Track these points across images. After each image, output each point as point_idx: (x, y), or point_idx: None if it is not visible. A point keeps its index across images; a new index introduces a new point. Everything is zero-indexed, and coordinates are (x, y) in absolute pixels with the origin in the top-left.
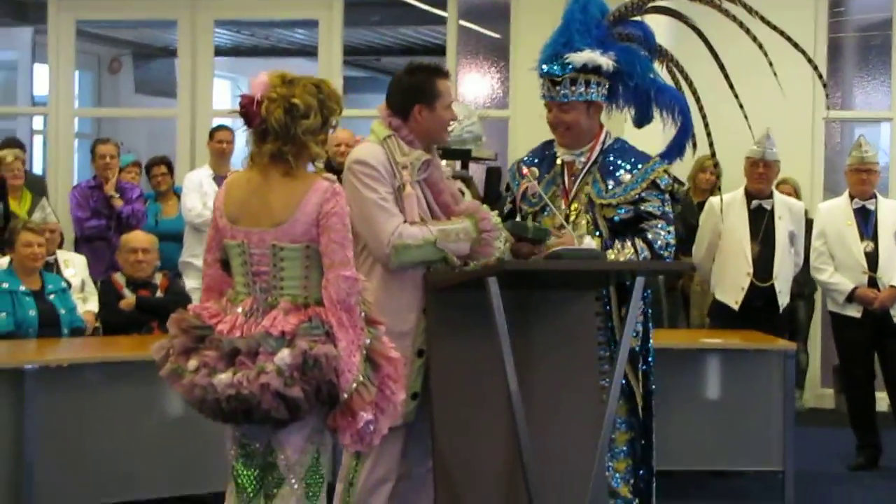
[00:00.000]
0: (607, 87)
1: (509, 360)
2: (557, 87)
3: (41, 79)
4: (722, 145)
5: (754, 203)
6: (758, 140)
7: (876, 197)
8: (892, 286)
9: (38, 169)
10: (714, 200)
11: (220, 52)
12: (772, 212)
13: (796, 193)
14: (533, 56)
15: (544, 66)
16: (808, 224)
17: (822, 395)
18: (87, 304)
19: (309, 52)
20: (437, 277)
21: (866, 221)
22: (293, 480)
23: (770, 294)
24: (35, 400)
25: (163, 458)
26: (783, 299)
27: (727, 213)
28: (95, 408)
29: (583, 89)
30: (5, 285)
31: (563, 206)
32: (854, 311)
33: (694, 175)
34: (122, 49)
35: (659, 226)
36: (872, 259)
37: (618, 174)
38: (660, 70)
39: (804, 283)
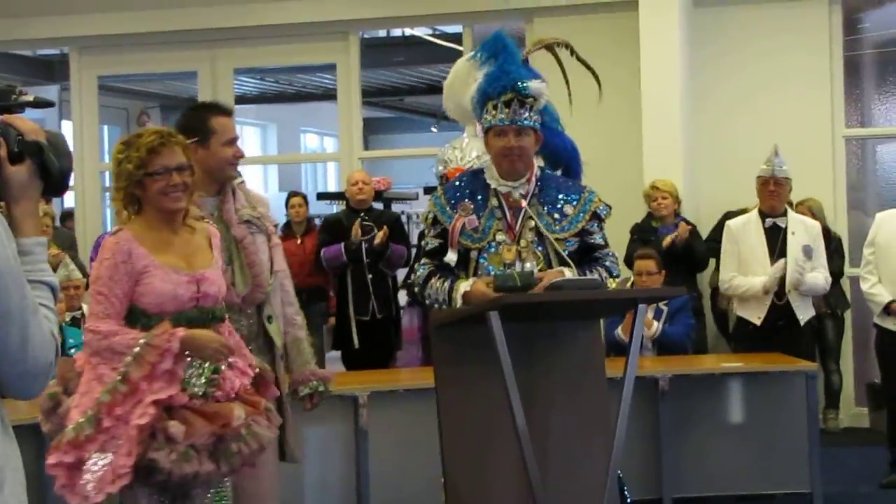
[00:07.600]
0: None
1: (514, 393)
2: (522, 111)
3: (68, 135)
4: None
5: (768, 221)
6: (767, 158)
7: None
8: None
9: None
10: (730, 223)
11: (246, 100)
12: (786, 229)
13: (812, 215)
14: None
15: (520, 84)
16: (829, 242)
17: (858, 414)
18: None
19: (332, 95)
20: (439, 315)
21: None
22: None
23: (788, 311)
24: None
25: None
26: (802, 314)
27: (744, 233)
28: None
29: (537, 117)
30: None
31: (510, 241)
32: (893, 325)
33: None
34: (150, 102)
35: (610, 255)
36: None
37: (560, 206)
38: None
39: (834, 302)
